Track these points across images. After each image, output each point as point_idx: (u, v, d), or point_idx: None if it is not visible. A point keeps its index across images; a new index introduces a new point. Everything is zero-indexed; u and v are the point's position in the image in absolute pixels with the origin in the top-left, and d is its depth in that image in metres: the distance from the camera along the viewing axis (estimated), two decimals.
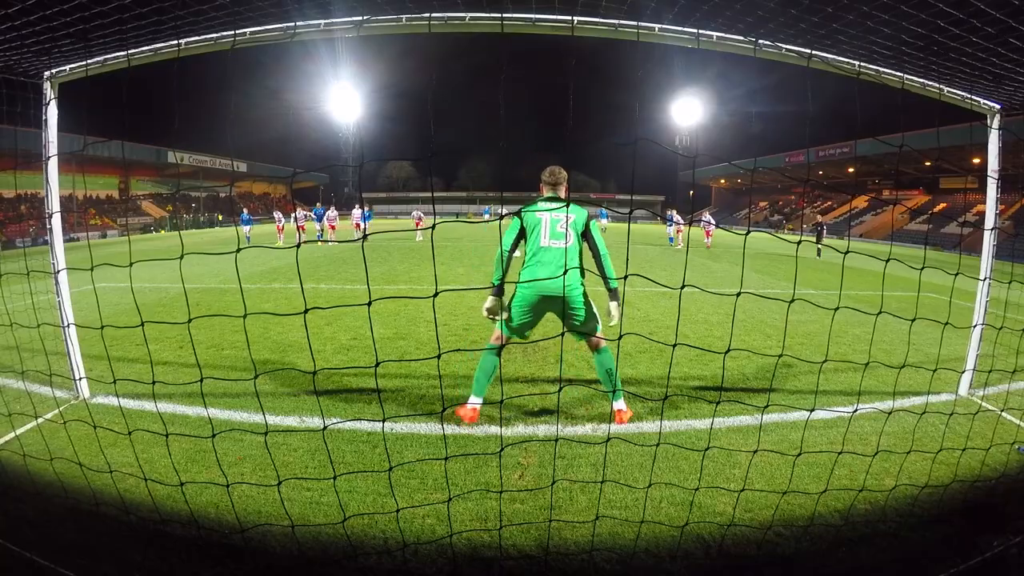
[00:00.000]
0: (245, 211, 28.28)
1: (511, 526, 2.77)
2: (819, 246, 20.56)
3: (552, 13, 3.55)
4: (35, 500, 2.96)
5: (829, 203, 51.32)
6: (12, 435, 3.68)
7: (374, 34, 3.65)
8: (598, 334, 3.98)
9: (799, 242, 2.46)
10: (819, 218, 24.75)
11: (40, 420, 3.90)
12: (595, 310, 4.04)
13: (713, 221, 22.12)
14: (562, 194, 4.10)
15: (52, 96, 4.20)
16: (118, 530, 2.72)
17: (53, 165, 4.22)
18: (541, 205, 3.99)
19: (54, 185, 4.24)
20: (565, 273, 3.68)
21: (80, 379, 4.38)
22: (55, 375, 4.19)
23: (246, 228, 24.49)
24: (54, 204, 4.23)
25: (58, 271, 4.07)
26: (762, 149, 52.07)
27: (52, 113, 4.19)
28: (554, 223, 3.92)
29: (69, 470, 3.01)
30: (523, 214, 3.91)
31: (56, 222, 4.25)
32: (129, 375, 5.00)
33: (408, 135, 69.78)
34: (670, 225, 24.56)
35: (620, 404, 4.11)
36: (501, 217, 1.93)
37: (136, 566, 2.46)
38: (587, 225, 4.00)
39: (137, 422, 3.91)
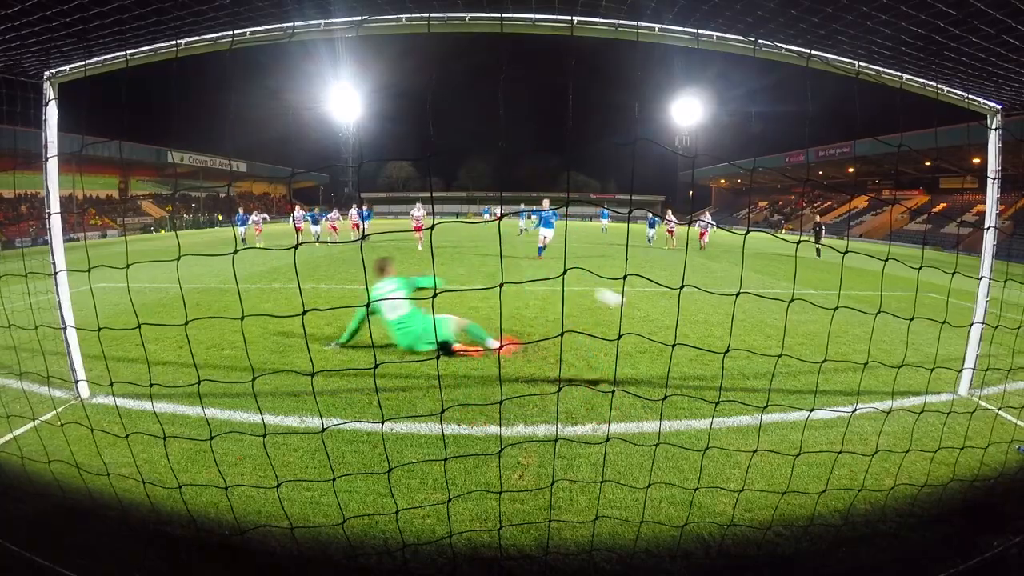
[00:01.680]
0: (241, 210, 25.53)
1: (511, 526, 2.77)
2: (818, 246, 20.49)
3: (552, 13, 3.55)
4: (35, 500, 2.96)
5: (829, 203, 51.31)
6: (11, 436, 3.69)
7: (374, 34, 3.65)
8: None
9: (798, 242, 2.46)
10: (818, 218, 24.52)
11: (39, 421, 3.90)
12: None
13: (712, 222, 21.30)
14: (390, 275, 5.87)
15: (52, 96, 4.20)
16: (118, 530, 2.72)
17: (53, 165, 4.22)
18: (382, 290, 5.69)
19: (54, 185, 4.24)
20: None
21: (79, 380, 4.38)
22: (54, 376, 4.19)
23: (241, 229, 23.04)
24: (54, 205, 4.23)
25: (57, 272, 4.07)
26: (762, 149, 52.01)
27: (52, 113, 4.19)
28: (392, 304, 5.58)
29: (68, 471, 3.01)
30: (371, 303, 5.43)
31: (55, 223, 4.25)
32: (129, 375, 5.00)
33: (408, 135, 69.71)
34: (652, 226, 23.28)
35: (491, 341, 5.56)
36: (500, 217, 1.94)
37: (136, 566, 2.46)
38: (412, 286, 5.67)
39: (137, 423, 3.92)
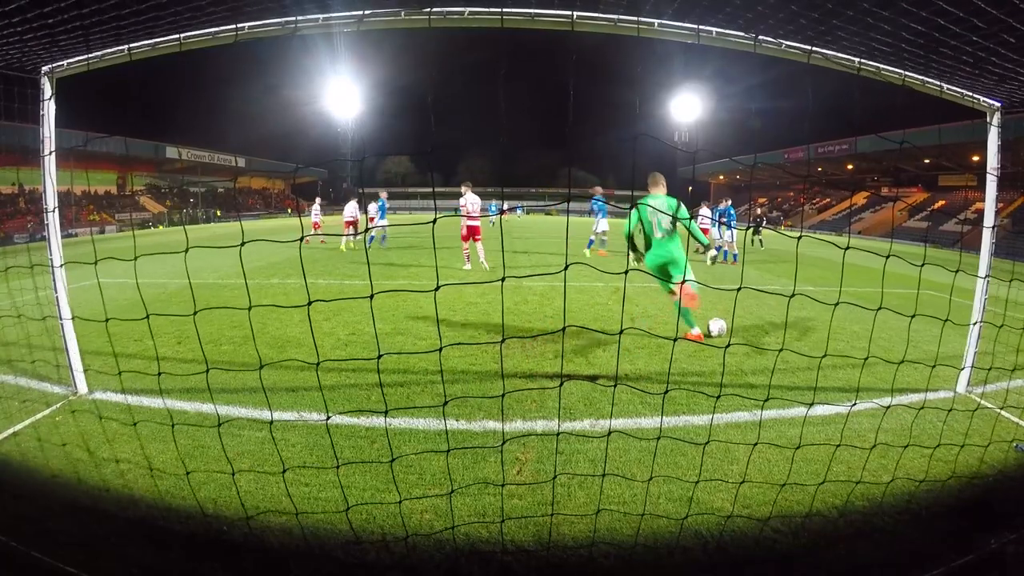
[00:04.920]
0: (384, 195, 17.60)
1: (510, 519, 2.78)
2: (757, 238, 19.85)
3: (552, 8, 3.53)
4: (33, 496, 2.96)
5: (828, 200, 51.33)
6: (10, 431, 3.68)
7: (374, 29, 3.63)
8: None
9: (799, 238, 2.46)
10: (758, 211, 23.56)
11: (38, 416, 3.90)
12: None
13: (712, 219, 17.43)
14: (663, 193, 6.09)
15: (51, 92, 4.18)
16: (117, 526, 2.72)
17: (51, 162, 4.20)
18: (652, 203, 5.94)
19: (52, 182, 4.22)
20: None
21: (78, 375, 4.38)
22: (52, 372, 4.20)
23: (383, 221, 16.93)
24: (51, 201, 4.21)
25: (55, 267, 4.06)
26: (762, 145, 51.94)
27: (50, 109, 4.17)
28: (660, 220, 5.71)
29: (67, 466, 3.02)
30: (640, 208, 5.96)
31: (53, 219, 4.23)
32: (126, 371, 5.00)
33: (407, 130, 69.63)
34: (599, 214, 15.88)
35: (695, 329, 6.04)
36: (502, 212, 1.94)
37: (135, 562, 2.47)
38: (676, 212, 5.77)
39: (135, 418, 3.92)
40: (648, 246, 6.02)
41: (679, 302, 5.46)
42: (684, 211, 6.08)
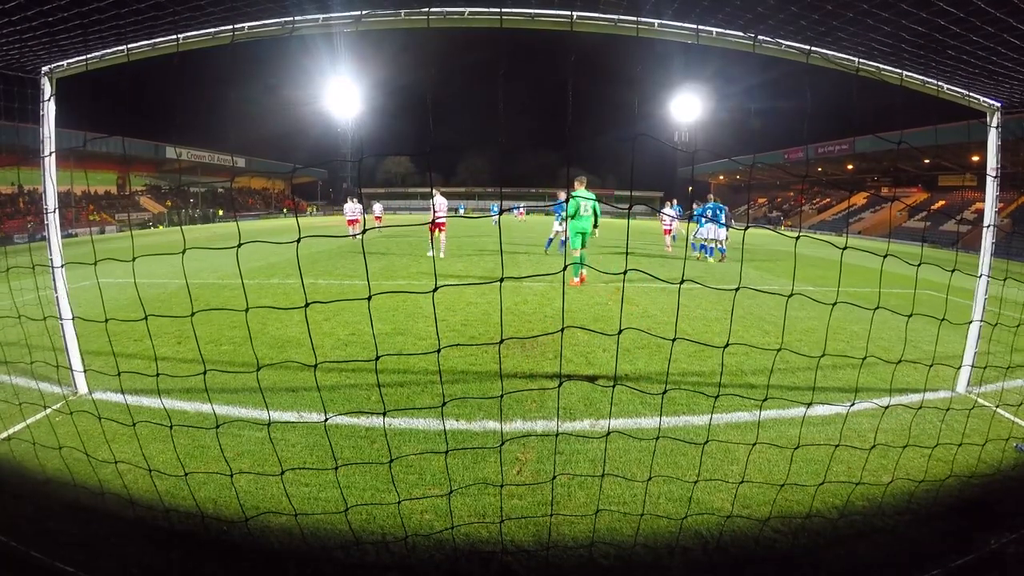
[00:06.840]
0: (562, 197, 16.71)
1: (510, 520, 2.78)
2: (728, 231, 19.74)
3: (551, 8, 3.53)
4: (33, 496, 2.96)
5: (828, 200, 51.35)
6: (10, 431, 3.68)
7: (373, 29, 3.63)
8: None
9: (797, 237, 2.46)
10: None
11: (38, 416, 3.91)
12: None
13: (674, 215, 18.51)
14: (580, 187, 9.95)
15: (50, 92, 4.18)
16: (117, 526, 2.72)
17: (51, 162, 4.20)
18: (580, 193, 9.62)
19: (52, 182, 4.22)
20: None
21: (78, 375, 4.38)
22: (51, 372, 4.20)
23: (517, 213, 16.40)
24: (51, 202, 4.21)
25: (55, 267, 4.06)
26: (761, 145, 52.04)
27: (50, 109, 4.17)
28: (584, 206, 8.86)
29: (67, 466, 3.01)
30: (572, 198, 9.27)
31: (54, 219, 4.23)
32: (126, 371, 5.00)
33: (407, 131, 69.68)
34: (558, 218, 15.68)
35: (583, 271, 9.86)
36: (500, 212, 1.95)
37: (135, 562, 2.47)
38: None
39: (135, 418, 3.92)
40: (574, 218, 9.67)
41: (581, 256, 9.87)
42: (597, 204, 9.73)
